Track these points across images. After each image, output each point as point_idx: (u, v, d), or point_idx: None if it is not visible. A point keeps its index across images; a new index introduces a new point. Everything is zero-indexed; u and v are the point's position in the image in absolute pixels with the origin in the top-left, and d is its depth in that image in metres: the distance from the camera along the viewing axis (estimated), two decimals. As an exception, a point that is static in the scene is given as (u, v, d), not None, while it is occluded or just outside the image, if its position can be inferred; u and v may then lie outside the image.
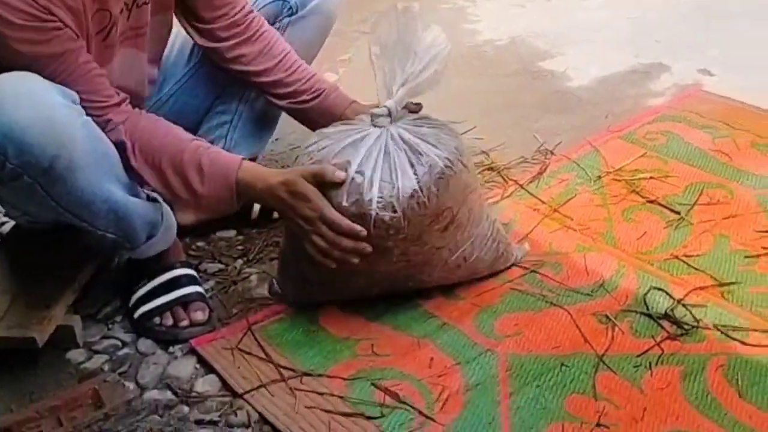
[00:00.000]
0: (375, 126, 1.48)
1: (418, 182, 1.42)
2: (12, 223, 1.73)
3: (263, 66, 1.68)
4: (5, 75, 1.30)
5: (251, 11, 1.68)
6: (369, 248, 1.42)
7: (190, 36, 1.69)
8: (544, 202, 1.85)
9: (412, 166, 1.43)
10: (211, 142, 1.77)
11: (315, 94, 1.70)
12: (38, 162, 1.29)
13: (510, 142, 2.10)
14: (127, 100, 1.46)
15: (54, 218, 1.43)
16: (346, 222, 1.40)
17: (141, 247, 1.56)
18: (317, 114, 1.68)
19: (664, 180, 1.90)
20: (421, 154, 1.44)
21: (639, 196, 1.86)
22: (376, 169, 1.43)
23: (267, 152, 2.07)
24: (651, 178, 1.91)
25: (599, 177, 1.94)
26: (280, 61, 1.68)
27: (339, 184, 1.41)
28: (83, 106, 1.36)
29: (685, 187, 1.87)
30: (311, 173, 1.41)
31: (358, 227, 1.40)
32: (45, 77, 1.32)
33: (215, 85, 1.79)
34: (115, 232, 1.49)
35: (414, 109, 1.56)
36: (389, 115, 1.48)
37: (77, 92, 1.35)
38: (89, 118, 1.35)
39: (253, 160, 1.89)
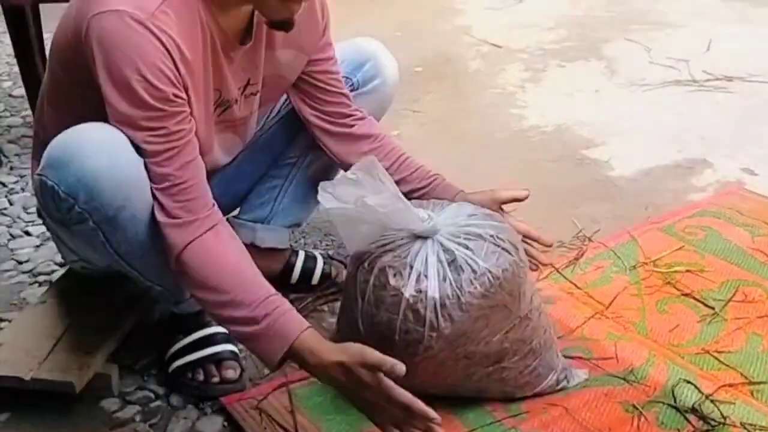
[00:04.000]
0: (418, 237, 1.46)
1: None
2: (62, 271, 1.80)
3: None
4: (88, 124, 1.37)
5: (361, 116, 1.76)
6: (440, 430, 1.30)
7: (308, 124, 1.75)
8: (578, 287, 1.87)
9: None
10: (260, 205, 1.85)
11: (426, 185, 1.74)
12: (105, 209, 1.36)
13: (548, 226, 2.11)
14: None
15: (108, 265, 1.50)
16: (418, 404, 1.28)
17: (185, 303, 1.61)
18: None
19: (700, 274, 1.91)
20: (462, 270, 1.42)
21: (674, 288, 1.86)
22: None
23: (311, 220, 2.13)
24: (687, 271, 1.92)
25: (635, 267, 1.95)
26: (396, 160, 1.75)
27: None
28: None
29: (721, 283, 1.88)
30: (370, 364, 1.30)
31: (431, 411, 1.28)
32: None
33: (274, 152, 1.84)
34: (162, 284, 1.55)
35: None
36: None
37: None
38: None
39: (298, 225, 1.94)
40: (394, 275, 1.43)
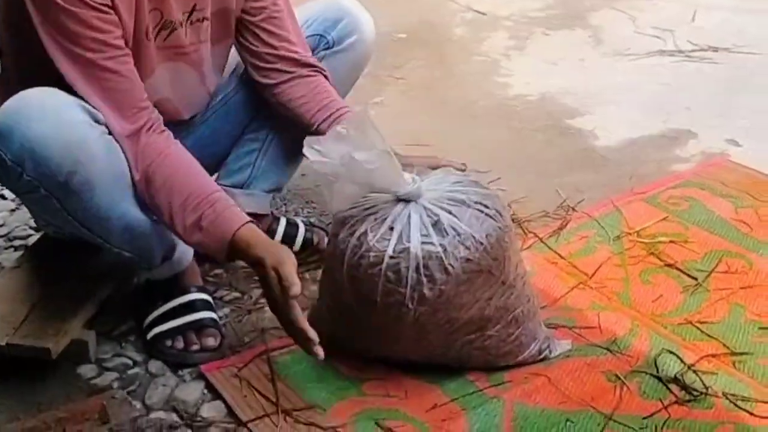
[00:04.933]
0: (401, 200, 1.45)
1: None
2: (37, 235, 1.77)
3: (310, 113, 1.69)
4: (32, 90, 1.34)
5: (308, 59, 1.71)
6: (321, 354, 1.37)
7: (249, 70, 1.71)
8: (562, 257, 1.86)
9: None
10: (239, 169, 1.82)
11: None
12: (54, 176, 1.33)
13: (533, 195, 2.12)
14: (161, 120, 1.47)
15: (72, 231, 1.46)
16: (300, 322, 1.36)
17: (157, 268, 1.59)
18: None
19: (684, 245, 1.90)
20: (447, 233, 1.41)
21: (657, 259, 1.86)
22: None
23: (293, 186, 2.10)
24: (671, 242, 1.91)
25: (619, 237, 1.94)
26: (324, 106, 1.69)
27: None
28: (117, 109, 1.38)
29: (704, 254, 1.87)
30: (281, 272, 1.35)
31: (311, 331, 1.36)
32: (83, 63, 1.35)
33: (248, 112, 1.81)
34: (130, 250, 1.52)
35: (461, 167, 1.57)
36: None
37: (115, 91, 1.38)
38: (111, 137, 1.38)
39: (278, 190, 1.92)
40: (376, 236, 1.41)
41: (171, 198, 1.40)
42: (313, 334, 1.36)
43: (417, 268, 1.38)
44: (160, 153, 1.42)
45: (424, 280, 1.38)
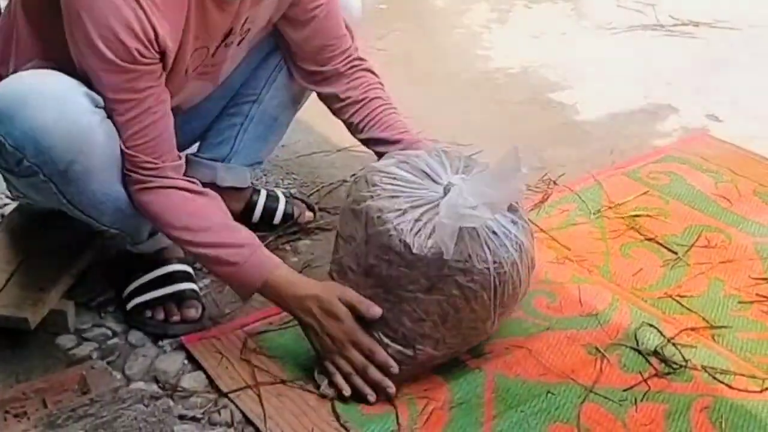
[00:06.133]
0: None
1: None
2: (14, 204, 1.74)
3: (356, 118, 1.68)
4: (32, 72, 1.32)
5: (355, 59, 1.68)
6: (393, 389, 1.37)
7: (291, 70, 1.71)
8: (543, 231, 1.86)
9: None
10: (220, 144, 1.79)
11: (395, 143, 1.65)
12: (55, 164, 1.31)
13: (514, 169, 2.11)
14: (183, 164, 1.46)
15: (59, 209, 1.45)
16: (381, 353, 1.36)
17: (143, 243, 1.58)
18: None
19: (664, 219, 1.92)
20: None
21: (638, 233, 1.87)
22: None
23: (272, 158, 2.08)
24: (651, 216, 1.92)
25: (600, 211, 1.95)
26: (372, 112, 1.67)
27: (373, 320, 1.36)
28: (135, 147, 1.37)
29: (684, 229, 1.89)
30: (348, 302, 1.36)
31: (392, 361, 1.36)
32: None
33: (231, 90, 1.77)
34: (120, 228, 1.51)
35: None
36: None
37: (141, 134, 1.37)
38: (110, 121, 1.35)
39: (258, 164, 1.90)
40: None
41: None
42: (391, 361, 1.36)
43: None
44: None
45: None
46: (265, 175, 2.10)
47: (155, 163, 1.39)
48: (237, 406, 1.39)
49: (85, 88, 1.33)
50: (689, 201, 1.99)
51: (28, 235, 1.64)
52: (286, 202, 1.90)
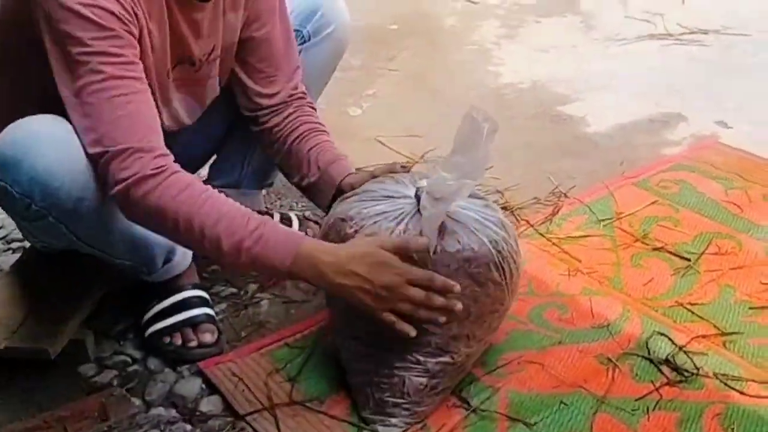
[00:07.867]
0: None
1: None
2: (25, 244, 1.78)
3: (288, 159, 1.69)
4: (35, 118, 1.34)
5: (299, 94, 1.69)
6: (459, 305, 1.32)
7: (237, 96, 1.69)
8: (554, 244, 1.88)
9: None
10: (230, 169, 1.82)
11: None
12: (63, 204, 1.34)
13: (524, 182, 2.13)
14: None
15: (72, 248, 1.48)
16: (439, 277, 1.31)
17: (158, 272, 1.61)
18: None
19: (674, 228, 1.92)
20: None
21: (648, 242, 1.88)
22: None
23: (285, 181, 2.10)
24: (662, 225, 1.93)
25: (610, 222, 1.96)
26: (304, 159, 1.67)
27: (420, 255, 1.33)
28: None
29: (695, 237, 1.89)
30: (392, 245, 1.31)
31: (452, 282, 1.31)
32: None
33: (231, 113, 1.75)
34: (132, 260, 1.54)
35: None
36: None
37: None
38: None
39: (270, 185, 1.92)
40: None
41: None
42: (452, 282, 1.32)
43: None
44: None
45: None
46: (279, 198, 2.13)
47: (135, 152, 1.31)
48: (254, 429, 1.41)
49: None
50: (699, 209, 2.00)
51: (44, 274, 1.67)
52: (300, 223, 1.92)
